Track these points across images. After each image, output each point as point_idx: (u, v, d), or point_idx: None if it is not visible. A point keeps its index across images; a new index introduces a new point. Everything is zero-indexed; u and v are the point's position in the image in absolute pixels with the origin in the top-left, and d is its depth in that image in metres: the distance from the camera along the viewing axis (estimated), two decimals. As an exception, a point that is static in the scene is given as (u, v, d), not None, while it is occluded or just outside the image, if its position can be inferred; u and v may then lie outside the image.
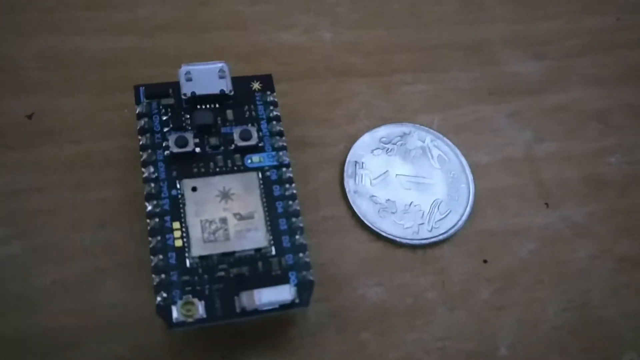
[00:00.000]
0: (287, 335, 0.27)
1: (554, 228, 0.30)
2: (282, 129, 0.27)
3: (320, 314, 0.27)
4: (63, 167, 0.29)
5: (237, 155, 0.26)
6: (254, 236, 0.25)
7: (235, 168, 0.26)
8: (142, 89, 0.27)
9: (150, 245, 0.24)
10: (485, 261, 0.29)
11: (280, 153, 0.27)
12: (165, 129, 0.27)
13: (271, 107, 0.28)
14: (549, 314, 0.28)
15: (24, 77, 0.31)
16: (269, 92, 0.28)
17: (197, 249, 0.24)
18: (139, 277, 0.27)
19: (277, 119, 0.28)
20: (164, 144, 0.26)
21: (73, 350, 0.25)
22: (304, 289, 0.24)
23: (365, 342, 0.27)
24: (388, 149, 0.31)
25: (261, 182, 0.26)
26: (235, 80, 0.28)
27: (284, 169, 0.26)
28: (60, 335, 0.25)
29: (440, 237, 0.29)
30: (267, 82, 0.28)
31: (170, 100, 0.27)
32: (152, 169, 0.26)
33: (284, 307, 0.24)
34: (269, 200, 0.26)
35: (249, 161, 0.26)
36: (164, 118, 0.27)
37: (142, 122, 0.27)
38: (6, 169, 0.28)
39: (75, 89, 0.31)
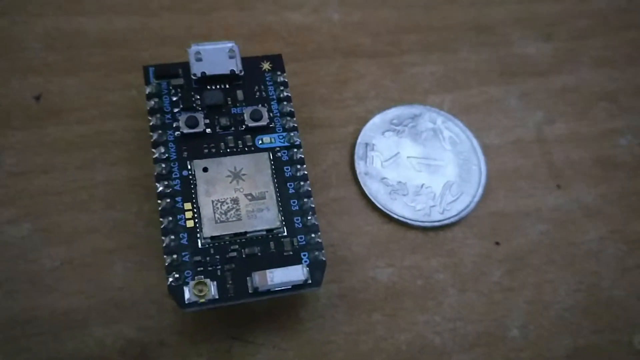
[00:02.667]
0: (298, 316, 0.27)
1: (565, 209, 0.30)
2: (292, 109, 0.27)
3: (330, 295, 0.27)
4: (70, 148, 0.28)
5: (248, 136, 0.26)
6: (265, 216, 0.25)
7: (246, 149, 0.26)
8: (151, 70, 0.27)
9: (162, 226, 0.24)
10: (497, 243, 0.29)
11: (292, 134, 0.26)
12: (176, 110, 0.26)
13: (281, 88, 0.27)
14: (560, 295, 0.28)
15: (30, 57, 0.30)
16: (279, 73, 0.28)
17: (209, 230, 0.24)
18: (148, 258, 0.27)
19: (288, 99, 0.27)
20: (174, 125, 0.26)
21: (81, 331, 0.25)
22: (316, 269, 0.24)
23: (376, 323, 0.27)
24: (399, 130, 0.30)
25: (272, 162, 0.26)
26: (244, 61, 0.27)
27: (295, 150, 0.26)
28: (69, 316, 0.25)
29: (452, 219, 0.29)
30: (277, 62, 0.28)
31: (180, 81, 0.27)
32: (162, 150, 0.25)
33: (297, 287, 0.24)
34: (280, 180, 0.26)
35: (260, 142, 0.26)
36: (174, 98, 0.27)
37: (152, 102, 0.26)
38: (13, 150, 0.28)
39: (82, 69, 0.30)
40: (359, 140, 0.30)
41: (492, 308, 0.28)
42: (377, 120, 0.30)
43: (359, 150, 0.30)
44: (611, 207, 0.31)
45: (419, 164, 0.30)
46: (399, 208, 0.29)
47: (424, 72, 0.33)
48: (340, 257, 0.28)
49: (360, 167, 0.29)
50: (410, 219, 0.28)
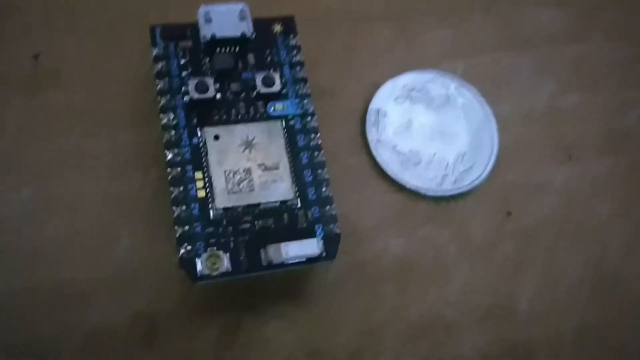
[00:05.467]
0: (309, 288, 0.26)
1: (576, 182, 0.30)
2: (305, 75, 0.26)
3: (341, 266, 0.26)
4: (72, 113, 0.27)
5: (260, 102, 0.25)
6: (279, 188, 0.24)
7: (258, 116, 0.25)
8: (158, 30, 0.26)
9: (172, 196, 0.23)
10: (509, 213, 0.29)
11: (305, 101, 0.26)
12: (184, 73, 0.25)
13: (294, 52, 0.26)
14: (568, 270, 0.28)
15: (27, 19, 0.29)
16: (291, 36, 0.27)
17: (222, 200, 0.23)
18: (156, 228, 0.26)
19: (300, 64, 0.26)
20: (182, 89, 0.25)
21: (88, 305, 0.25)
22: (331, 242, 0.24)
23: (386, 295, 0.27)
24: (411, 96, 0.29)
25: (285, 131, 0.25)
26: (255, 22, 0.26)
27: (308, 118, 0.25)
28: (75, 288, 0.25)
29: (464, 189, 0.28)
30: (289, 25, 0.27)
31: (188, 43, 0.26)
32: (171, 116, 0.24)
33: (311, 260, 0.23)
34: (293, 150, 0.25)
35: (272, 109, 0.25)
36: (182, 61, 0.25)
37: (160, 65, 0.25)
38: (14, 115, 0.27)
39: (83, 30, 0.29)
40: (370, 107, 0.29)
41: (502, 281, 0.28)
42: (388, 86, 0.30)
43: (370, 117, 0.29)
44: (621, 180, 0.30)
45: (432, 132, 0.29)
46: (411, 177, 0.28)
47: (436, 37, 0.32)
48: (351, 228, 0.27)
49: (371, 134, 0.28)
50: (422, 189, 0.28)
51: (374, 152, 0.28)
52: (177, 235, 0.23)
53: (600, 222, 0.29)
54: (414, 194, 0.28)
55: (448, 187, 0.28)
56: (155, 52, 0.25)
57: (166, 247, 0.25)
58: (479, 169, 0.29)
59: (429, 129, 0.29)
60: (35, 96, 0.27)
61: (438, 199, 0.28)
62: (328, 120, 0.29)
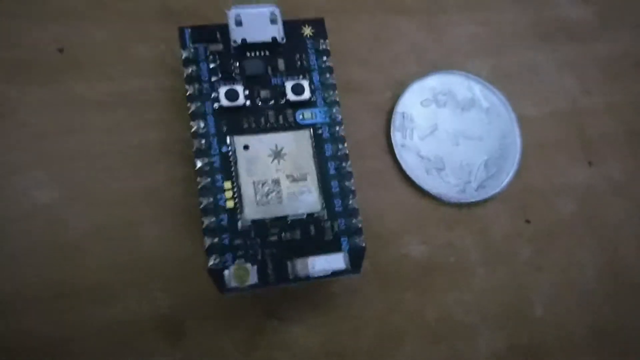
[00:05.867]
0: (330, 291, 0.27)
1: (596, 187, 0.30)
2: (334, 82, 0.26)
3: (363, 271, 0.26)
4: (97, 107, 0.27)
5: (289, 111, 0.25)
6: (307, 199, 0.24)
7: (287, 124, 0.25)
8: (187, 32, 0.25)
9: (201, 206, 0.23)
10: (527, 221, 0.29)
11: (334, 110, 0.25)
12: (214, 78, 0.25)
13: (324, 57, 0.26)
14: (586, 276, 0.29)
15: (52, 4, 0.28)
16: (321, 40, 0.26)
17: (251, 212, 0.24)
18: (181, 227, 0.26)
19: (330, 70, 0.26)
20: (212, 95, 0.25)
21: (113, 303, 0.25)
22: (356, 255, 0.24)
23: (407, 300, 0.27)
24: (437, 100, 0.29)
25: (313, 140, 0.25)
26: (284, 25, 0.26)
27: (336, 127, 0.25)
28: (100, 286, 0.25)
29: (486, 196, 0.28)
30: (319, 28, 0.27)
31: (219, 46, 0.25)
32: (202, 124, 0.24)
33: (336, 274, 0.24)
34: (320, 160, 0.25)
35: (300, 117, 0.25)
36: (212, 65, 0.25)
37: (190, 70, 0.25)
38: (36, 107, 0.27)
39: (108, 18, 0.28)
40: (396, 109, 0.29)
41: (520, 287, 0.28)
42: (415, 88, 0.29)
43: (395, 121, 0.29)
44: (642, 185, 0.31)
45: (456, 137, 0.29)
46: (435, 183, 0.28)
47: (464, 34, 0.31)
48: (374, 232, 0.27)
49: (396, 138, 0.28)
50: (445, 195, 0.28)
51: (398, 156, 0.28)
52: (206, 246, 0.23)
53: (618, 226, 0.30)
54: (437, 200, 0.28)
55: (471, 194, 0.28)
56: (184, 55, 0.25)
57: (193, 245, 0.26)
58: (502, 176, 0.29)
59: (453, 134, 0.29)
60: (58, 87, 0.27)
61: (460, 206, 0.28)
62: (354, 119, 0.29)
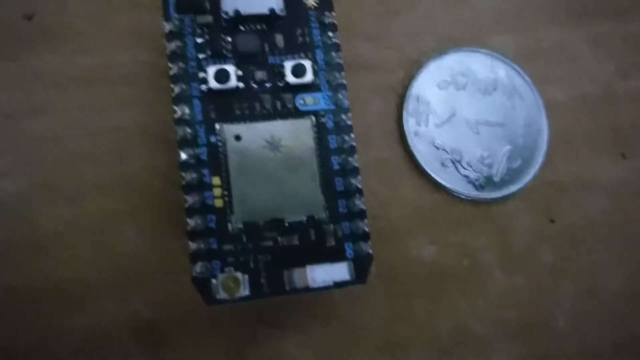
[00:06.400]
0: (332, 299, 0.24)
1: (628, 183, 0.27)
2: (341, 61, 0.22)
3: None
4: (72, 84, 0.24)
5: (288, 95, 0.22)
6: (306, 199, 0.21)
7: (285, 111, 0.22)
8: (171, 0, 0.22)
9: (186, 205, 0.20)
10: (552, 220, 0.26)
11: (339, 94, 0.22)
12: (202, 56, 0.22)
13: (329, 33, 0.23)
14: (613, 281, 0.26)
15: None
16: (326, 12, 0.23)
17: (242, 213, 0.21)
18: (164, 221, 0.24)
19: (336, 47, 0.23)
20: (200, 75, 0.21)
21: (88, 306, 0.23)
22: (362, 264, 0.21)
23: (414, 307, 0.25)
24: (456, 81, 0.26)
25: (315, 130, 0.22)
26: (284, -7, 0.22)
27: (342, 115, 0.22)
28: (74, 288, 0.23)
29: (507, 192, 0.25)
30: (325, -2, 0.23)
31: (208, 18, 0.22)
32: (186, 109, 0.21)
33: (338, 285, 0.21)
34: (323, 153, 0.22)
35: (301, 102, 0.22)
36: (199, 40, 0.22)
37: (174, 45, 0.21)
38: (4, 85, 0.23)
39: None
40: (410, 92, 0.26)
41: (540, 294, 0.25)
42: (431, 67, 0.26)
43: (408, 105, 0.25)
44: (680, 182, 0.27)
45: (477, 125, 0.26)
46: (450, 177, 0.25)
47: (488, 6, 0.28)
48: (380, 230, 0.25)
49: (409, 125, 0.25)
50: (461, 190, 0.25)
51: (411, 145, 0.25)
52: (191, 251, 0.20)
53: (650, 228, 0.27)
54: (452, 195, 0.25)
55: (490, 189, 0.25)
56: (168, 28, 0.22)
57: (175, 243, 0.23)
58: (525, 169, 0.26)
59: (473, 121, 0.26)
60: (29, 61, 0.24)
61: (478, 202, 0.25)
62: (362, 102, 0.26)
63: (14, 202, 0.23)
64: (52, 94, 0.24)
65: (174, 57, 0.21)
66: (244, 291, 0.20)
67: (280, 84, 0.22)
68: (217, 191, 0.21)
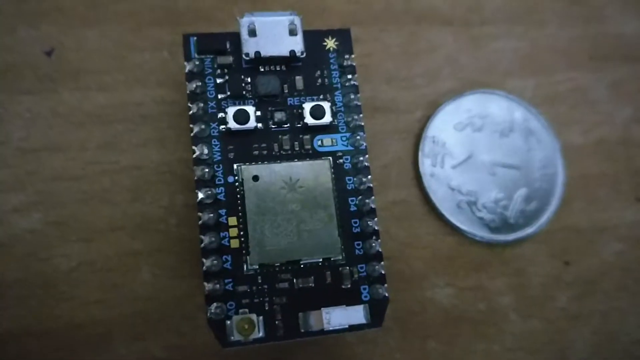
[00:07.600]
0: (345, 340, 0.24)
1: (644, 226, 0.27)
2: (359, 103, 0.23)
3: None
4: (89, 121, 0.24)
5: (307, 137, 0.22)
6: (323, 241, 0.21)
7: (304, 152, 0.22)
8: (193, 40, 0.22)
9: (202, 245, 0.20)
10: (567, 263, 0.26)
11: (357, 136, 0.22)
12: (221, 96, 0.22)
13: (348, 75, 0.23)
14: (629, 325, 0.26)
15: (41, 7, 0.25)
16: (346, 55, 0.23)
17: (258, 256, 0.20)
18: (180, 263, 0.23)
19: (355, 89, 0.23)
20: (219, 116, 0.21)
21: (101, 348, 0.22)
22: (378, 307, 0.21)
23: (431, 351, 0.24)
24: (473, 123, 0.26)
25: (333, 171, 0.22)
26: (304, 35, 0.22)
27: (360, 157, 0.22)
28: (88, 329, 0.22)
29: (523, 235, 0.25)
30: (345, 40, 0.23)
31: (228, 59, 0.22)
32: (205, 149, 0.21)
33: (354, 328, 0.21)
34: (340, 195, 0.22)
35: (319, 143, 0.22)
36: (219, 81, 0.22)
37: (194, 85, 0.22)
38: (22, 120, 0.23)
39: (103, 19, 0.25)
40: (426, 133, 0.26)
41: (556, 338, 0.25)
42: (449, 109, 0.26)
43: (425, 146, 0.25)
44: (697, 227, 0.27)
45: (494, 167, 0.26)
46: (466, 219, 0.25)
47: (505, 48, 0.28)
48: (396, 272, 0.24)
49: (425, 166, 0.25)
50: (477, 233, 0.25)
51: (427, 187, 0.25)
52: (206, 292, 0.20)
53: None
54: (467, 237, 0.25)
55: (506, 232, 0.25)
56: (188, 67, 0.22)
57: (191, 285, 0.23)
58: (541, 213, 0.26)
59: (489, 163, 0.26)
60: (48, 98, 0.24)
61: (493, 245, 0.25)
62: (379, 143, 0.26)
63: (28, 239, 0.23)
64: (69, 131, 0.24)
65: (193, 97, 0.22)
66: (259, 333, 0.20)
67: (299, 125, 0.22)
68: (233, 231, 0.21)
